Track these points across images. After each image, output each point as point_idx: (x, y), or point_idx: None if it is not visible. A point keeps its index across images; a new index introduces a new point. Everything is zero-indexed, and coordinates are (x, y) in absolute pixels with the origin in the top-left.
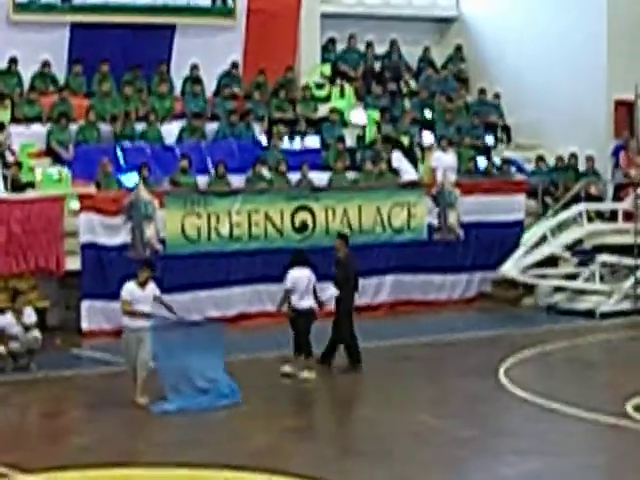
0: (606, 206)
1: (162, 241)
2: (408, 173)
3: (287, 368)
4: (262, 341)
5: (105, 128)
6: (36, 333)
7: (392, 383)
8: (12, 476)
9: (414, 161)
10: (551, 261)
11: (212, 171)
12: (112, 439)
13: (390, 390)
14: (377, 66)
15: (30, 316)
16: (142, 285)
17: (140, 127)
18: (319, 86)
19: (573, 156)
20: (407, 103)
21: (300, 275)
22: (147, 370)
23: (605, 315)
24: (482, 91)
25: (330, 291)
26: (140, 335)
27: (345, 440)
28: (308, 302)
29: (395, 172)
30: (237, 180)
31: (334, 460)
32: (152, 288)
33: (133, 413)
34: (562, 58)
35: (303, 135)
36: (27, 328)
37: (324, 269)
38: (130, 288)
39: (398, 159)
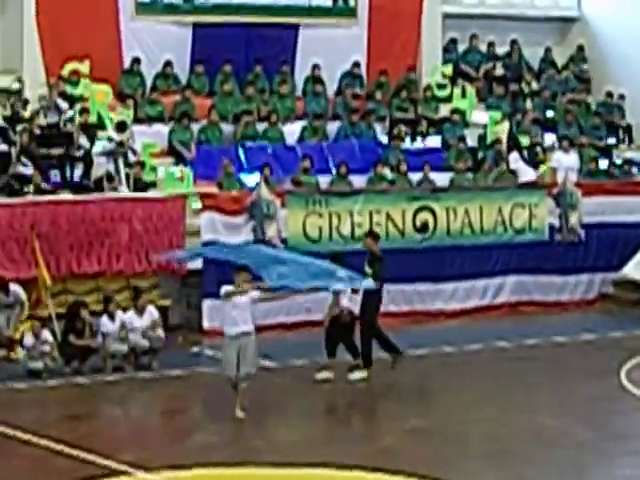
0: None
1: (284, 241)
2: (526, 174)
3: (324, 374)
4: None
5: (227, 128)
6: (158, 332)
7: (512, 384)
8: (133, 474)
9: (535, 162)
10: None
11: (334, 171)
12: (232, 438)
13: (510, 391)
14: (498, 66)
15: (152, 314)
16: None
17: (262, 127)
18: (441, 86)
19: None
20: (529, 103)
21: None
22: (249, 381)
23: None
24: (609, 94)
25: (366, 282)
26: (241, 342)
27: (465, 441)
28: (348, 304)
29: (514, 173)
30: (358, 180)
31: (453, 461)
32: (250, 293)
33: (253, 412)
34: None
35: (424, 135)
36: (149, 326)
37: (445, 269)
38: (230, 289)
39: (515, 160)
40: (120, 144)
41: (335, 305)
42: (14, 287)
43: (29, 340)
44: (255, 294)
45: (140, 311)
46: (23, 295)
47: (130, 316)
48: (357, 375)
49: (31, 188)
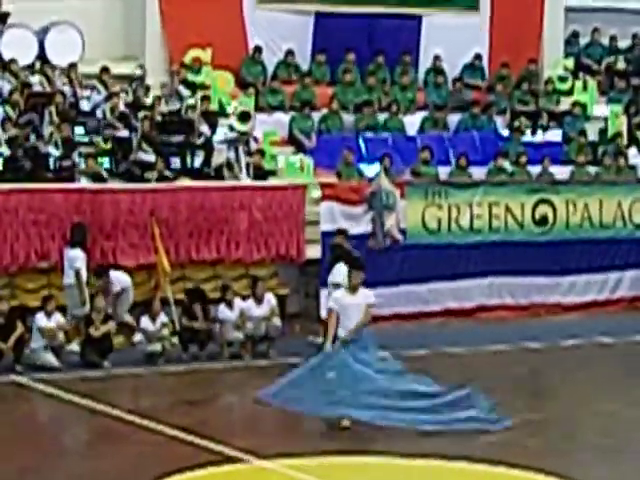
0: None
1: (403, 231)
2: None
3: None
4: (500, 334)
5: (347, 117)
6: (276, 320)
7: (628, 379)
8: (249, 461)
9: None
10: None
11: (453, 162)
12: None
13: (626, 386)
14: (620, 60)
15: (270, 303)
16: (353, 290)
17: (382, 117)
18: (562, 79)
19: None
20: None
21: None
22: None
23: None
24: None
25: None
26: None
27: (579, 435)
28: None
29: (633, 168)
30: (478, 172)
31: (565, 454)
32: (364, 294)
33: None
34: None
35: (545, 128)
36: (267, 315)
37: (564, 263)
38: (338, 295)
39: (635, 155)
40: (242, 133)
41: None
42: (116, 274)
43: (146, 323)
44: (372, 299)
45: (258, 299)
46: (127, 280)
47: (248, 304)
48: None
49: (154, 174)
